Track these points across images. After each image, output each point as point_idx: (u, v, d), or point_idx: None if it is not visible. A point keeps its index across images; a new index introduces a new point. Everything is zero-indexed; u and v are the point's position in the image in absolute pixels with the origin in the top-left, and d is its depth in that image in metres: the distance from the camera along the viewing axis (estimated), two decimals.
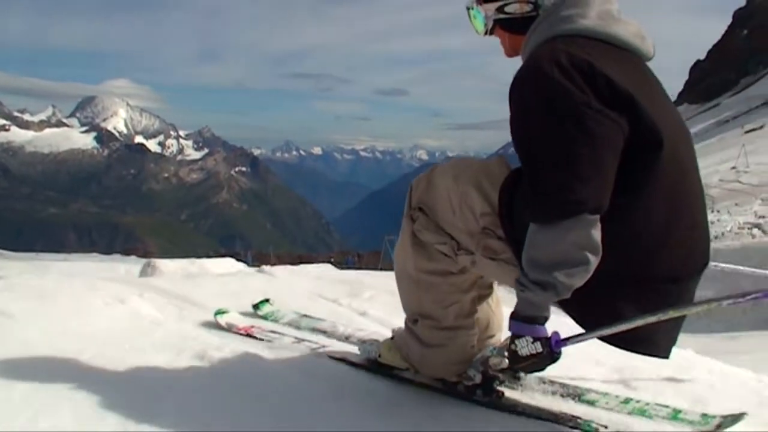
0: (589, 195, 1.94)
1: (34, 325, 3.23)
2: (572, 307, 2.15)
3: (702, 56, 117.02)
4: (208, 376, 2.73)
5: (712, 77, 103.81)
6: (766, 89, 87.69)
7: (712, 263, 2.38)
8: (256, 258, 44.21)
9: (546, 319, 2.08)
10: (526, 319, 2.07)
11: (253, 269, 8.02)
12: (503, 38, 2.39)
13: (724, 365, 3.41)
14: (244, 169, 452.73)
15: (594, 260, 1.98)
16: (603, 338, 2.13)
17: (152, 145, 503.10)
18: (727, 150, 65.04)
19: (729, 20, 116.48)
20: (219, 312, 3.65)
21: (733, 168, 53.92)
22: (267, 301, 3.98)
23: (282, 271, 5.74)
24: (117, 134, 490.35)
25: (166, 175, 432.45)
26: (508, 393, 2.61)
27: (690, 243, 2.19)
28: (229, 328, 3.46)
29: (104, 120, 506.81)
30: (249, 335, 3.41)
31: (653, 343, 2.18)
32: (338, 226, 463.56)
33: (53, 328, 3.22)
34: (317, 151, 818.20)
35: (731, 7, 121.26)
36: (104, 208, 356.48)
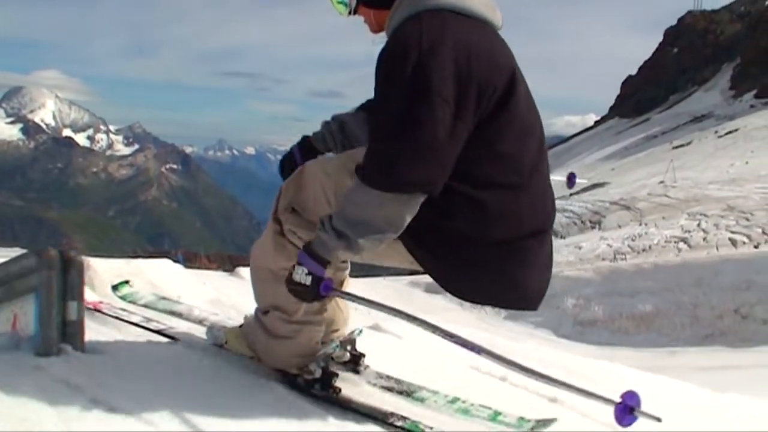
0: (426, 178, 2.12)
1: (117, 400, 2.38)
2: (439, 273, 2.36)
3: (633, 71, 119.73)
4: None
5: (643, 92, 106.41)
6: (694, 106, 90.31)
7: None
8: (187, 258, 43.53)
9: (327, 262, 2.27)
10: (311, 253, 2.26)
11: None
12: (368, 15, 2.47)
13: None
14: (174, 166, 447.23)
15: (393, 236, 2.21)
16: (477, 299, 2.45)
17: (81, 138, 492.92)
18: (655, 164, 66.69)
19: (660, 38, 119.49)
20: None
21: (661, 182, 55.29)
22: (126, 282, 4.17)
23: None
24: (44, 126, 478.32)
25: (94, 169, 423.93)
26: (345, 390, 2.70)
27: (542, 201, 2.41)
28: None
29: (31, 111, 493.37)
30: (97, 310, 3.44)
31: (527, 299, 2.45)
32: None
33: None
34: (250, 150, 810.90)
35: (662, 25, 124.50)
36: (29, 201, 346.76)
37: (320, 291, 2.28)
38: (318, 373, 2.65)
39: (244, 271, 14.55)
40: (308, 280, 2.26)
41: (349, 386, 2.77)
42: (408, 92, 2.09)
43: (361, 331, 2.93)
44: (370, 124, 2.30)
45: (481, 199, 2.24)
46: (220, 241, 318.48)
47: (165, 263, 12.30)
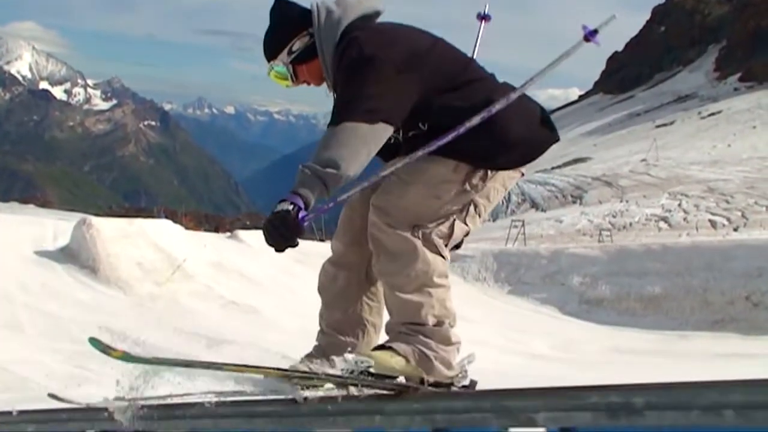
0: (385, 107, 2.66)
1: None
2: (494, 152, 2.84)
3: (620, 47, 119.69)
4: None
5: (628, 69, 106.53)
6: (678, 86, 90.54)
7: None
8: (167, 215, 43.26)
9: (308, 200, 2.55)
10: (294, 193, 2.55)
11: None
12: (304, 72, 3.01)
13: None
14: (153, 123, 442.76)
15: (356, 161, 2.60)
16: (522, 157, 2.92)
17: (58, 92, 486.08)
18: (637, 142, 66.87)
19: (648, 15, 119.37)
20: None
21: (644, 160, 55.58)
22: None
23: None
24: (20, 78, 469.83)
25: (71, 123, 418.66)
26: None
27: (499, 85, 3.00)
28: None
29: (7, 63, 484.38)
30: None
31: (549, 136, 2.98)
32: (247, 187, 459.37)
33: None
34: (230, 110, 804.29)
35: (651, 2, 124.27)
36: (3, 153, 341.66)
37: (299, 219, 2.52)
38: (467, 380, 2.89)
39: (243, 234, 14.57)
40: (290, 208, 2.51)
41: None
42: (368, 70, 2.69)
43: (473, 356, 3.04)
44: (338, 95, 2.82)
45: (478, 87, 2.86)
46: (197, 200, 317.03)
47: (166, 224, 12.30)
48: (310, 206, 2.57)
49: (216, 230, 35.06)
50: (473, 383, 2.94)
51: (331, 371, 2.74)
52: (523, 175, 3.08)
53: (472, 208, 2.92)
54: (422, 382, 2.77)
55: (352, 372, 2.72)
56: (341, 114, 2.67)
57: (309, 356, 3.03)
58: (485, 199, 2.95)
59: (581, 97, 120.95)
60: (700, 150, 55.38)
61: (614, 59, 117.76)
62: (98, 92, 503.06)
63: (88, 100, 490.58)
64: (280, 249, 2.57)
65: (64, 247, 11.18)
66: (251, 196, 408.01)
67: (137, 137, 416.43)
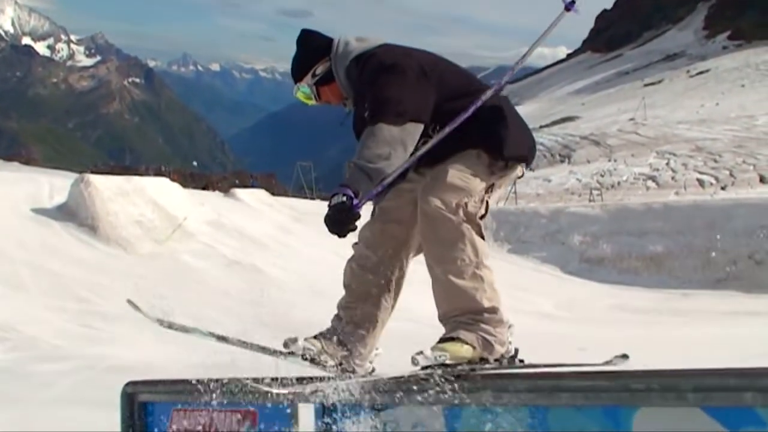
0: (413, 108, 3.05)
1: None
2: (499, 141, 3.19)
3: (609, 5, 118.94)
4: None
5: (616, 27, 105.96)
6: (667, 44, 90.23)
7: None
8: (156, 174, 43.12)
9: (357, 191, 2.91)
10: (345, 185, 2.91)
11: None
12: (326, 93, 3.47)
13: None
14: (137, 80, 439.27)
15: (394, 156, 2.98)
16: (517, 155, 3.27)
17: (41, 47, 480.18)
18: (626, 101, 66.87)
19: None
20: None
21: (632, 119, 55.71)
22: None
23: None
24: (3, 34, 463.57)
25: (54, 80, 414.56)
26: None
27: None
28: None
29: None
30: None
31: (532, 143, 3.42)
32: (232, 145, 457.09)
33: None
34: (215, 67, 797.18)
35: None
36: None
37: (354, 207, 2.88)
38: (513, 350, 3.18)
39: (241, 193, 14.63)
40: (342, 201, 2.87)
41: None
42: (396, 72, 3.13)
43: (513, 327, 3.29)
44: (370, 99, 3.16)
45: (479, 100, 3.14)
46: (183, 158, 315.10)
47: (164, 182, 12.31)
48: (359, 195, 2.90)
49: (204, 188, 35.00)
50: (516, 351, 3.18)
51: (417, 369, 2.92)
52: (521, 176, 3.51)
53: (503, 173, 3.28)
54: (481, 360, 3.02)
55: (433, 367, 2.89)
56: (377, 116, 3.04)
57: (323, 335, 3.26)
58: (499, 187, 3.35)
59: (569, 56, 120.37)
60: (688, 109, 55.43)
61: (603, 17, 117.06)
62: (82, 48, 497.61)
63: (71, 56, 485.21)
64: (343, 234, 2.91)
65: (62, 204, 11.14)
66: (237, 154, 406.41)
67: (122, 94, 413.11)
